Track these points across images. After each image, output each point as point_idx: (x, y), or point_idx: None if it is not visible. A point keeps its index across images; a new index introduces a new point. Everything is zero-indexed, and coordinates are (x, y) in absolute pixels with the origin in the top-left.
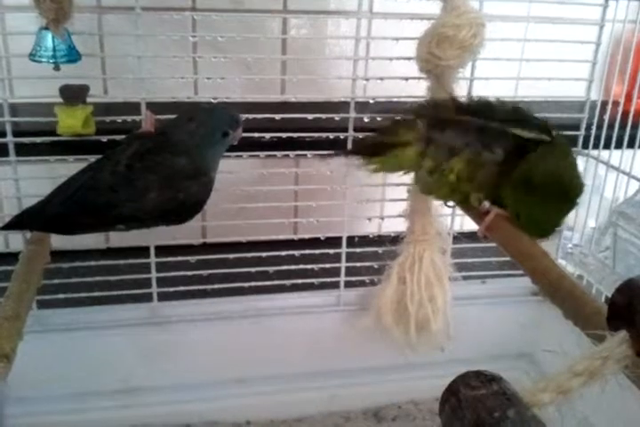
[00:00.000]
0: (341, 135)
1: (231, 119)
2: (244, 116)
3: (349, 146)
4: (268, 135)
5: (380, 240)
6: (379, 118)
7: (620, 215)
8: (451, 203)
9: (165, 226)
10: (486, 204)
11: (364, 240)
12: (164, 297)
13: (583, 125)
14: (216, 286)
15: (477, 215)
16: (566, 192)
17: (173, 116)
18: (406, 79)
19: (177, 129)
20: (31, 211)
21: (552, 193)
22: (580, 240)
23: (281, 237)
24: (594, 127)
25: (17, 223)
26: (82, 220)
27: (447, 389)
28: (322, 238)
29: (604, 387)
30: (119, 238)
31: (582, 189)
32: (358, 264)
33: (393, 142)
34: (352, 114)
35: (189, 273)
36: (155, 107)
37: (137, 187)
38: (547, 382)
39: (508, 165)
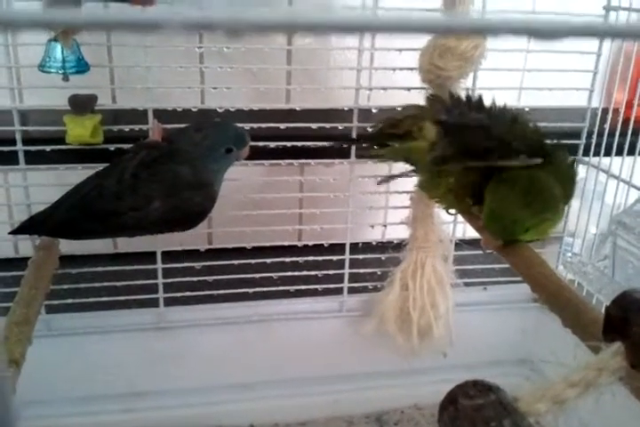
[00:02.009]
0: (345, 144)
1: (238, 137)
2: (249, 125)
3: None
4: (272, 144)
5: (382, 247)
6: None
7: (619, 225)
8: (452, 210)
9: (169, 233)
10: None
11: (367, 247)
12: (170, 302)
13: (584, 134)
14: (221, 292)
15: (479, 227)
16: (532, 191)
17: (181, 126)
18: (409, 89)
19: (183, 138)
20: (39, 216)
21: (520, 190)
22: (581, 249)
23: (285, 243)
24: (594, 135)
25: (25, 228)
26: (88, 226)
27: (446, 398)
28: (325, 245)
29: (599, 397)
30: (126, 244)
31: (554, 198)
32: (361, 271)
33: (407, 133)
34: (355, 123)
35: (195, 279)
36: (162, 116)
37: (142, 195)
38: (543, 391)
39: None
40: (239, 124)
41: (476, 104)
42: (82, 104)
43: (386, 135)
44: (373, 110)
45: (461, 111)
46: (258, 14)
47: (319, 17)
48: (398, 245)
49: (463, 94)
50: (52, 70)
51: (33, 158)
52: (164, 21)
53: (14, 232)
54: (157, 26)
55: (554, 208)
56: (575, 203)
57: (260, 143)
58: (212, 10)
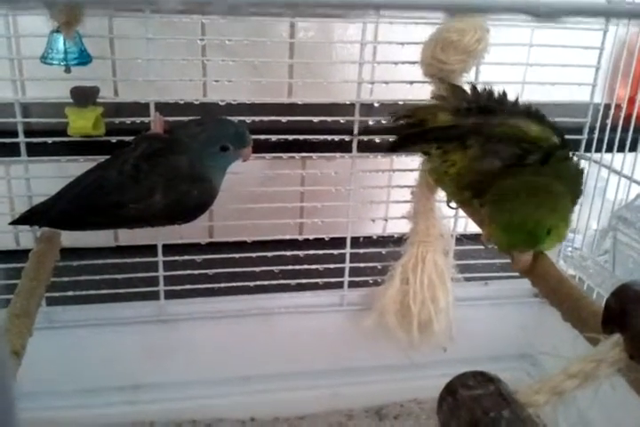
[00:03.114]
0: (346, 138)
1: (237, 135)
2: (251, 118)
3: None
4: (274, 137)
5: (383, 241)
6: (384, 121)
7: (620, 220)
8: (453, 204)
9: (170, 225)
10: None
11: (369, 241)
12: (170, 295)
13: (586, 129)
14: (222, 285)
15: (481, 220)
16: (535, 193)
17: (183, 119)
18: (411, 83)
19: (183, 130)
20: (40, 207)
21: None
22: (582, 244)
23: (286, 237)
24: (596, 131)
25: (26, 219)
26: (88, 217)
27: (445, 388)
28: (326, 239)
29: (598, 388)
30: (128, 237)
31: (562, 196)
32: (362, 265)
33: (421, 122)
34: (357, 117)
35: (196, 272)
36: (164, 108)
37: (143, 187)
38: (542, 383)
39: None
40: (241, 118)
41: (497, 99)
42: (84, 96)
43: (401, 125)
44: (375, 104)
45: (479, 104)
46: None
47: None
48: (399, 240)
49: (486, 88)
50: (55, 62)
51: (35, 150)
52: None
53: (15, 222)
54: (157, 2)
55: (564, 206)
56: None
57: (262, 137)
58: None
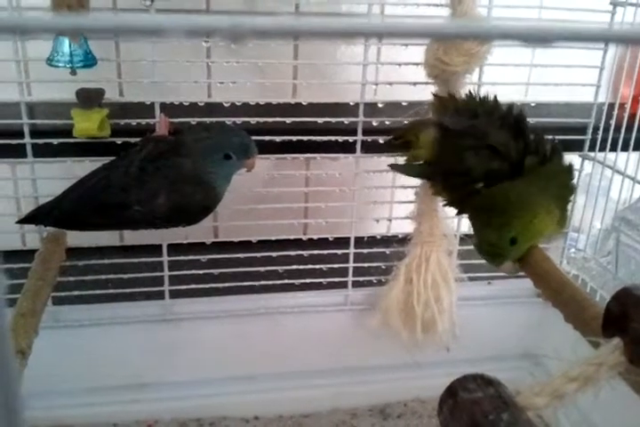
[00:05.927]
0: (350, 139)
1: (241, 146)
2: (255, 120)
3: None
4: (279, 138)
5: (387, 241)
6: (387, 122)
7: (623, 221)
8: None
9: (173, 227)
10: None
11: (372, 241)
12: (175, 295)
13: (590, 129)
14: (227, 285)
15: None
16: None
17: (188, 120)
18: (414, 84)
19: (189, 133)
20: (45, 207)
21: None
22: (585, 245)
23: (291, 237)
24: (600, 131)
25: (32, 218)
26: (92, 217)
27: (445, 391)
28: (330, 239)
29: (598, 391)
30: (133, 237)
31: (520, 200)
32: (366, 264)
33: (407, 143)
34: (361, 118)
35: (201, 272)
36: (169, 110)
37: (147, 189)
38: (542, 386)
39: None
40: (246, 119)
41: (488, 107)
42: (89, 98)
43: (393, 147)
44: (379, 105)
45: (461, 117)
46: (259, 20)
47: (320, 23)
48: (403, 240)
49: (476, 94)
50: (60, 65)
51: (40, 151)
52: (169, 27)
53: (21, 221)
54: (163, 31)
55: (527, 208)
56: (580, 198)
57: (267, 137)
58: (215, 16)
